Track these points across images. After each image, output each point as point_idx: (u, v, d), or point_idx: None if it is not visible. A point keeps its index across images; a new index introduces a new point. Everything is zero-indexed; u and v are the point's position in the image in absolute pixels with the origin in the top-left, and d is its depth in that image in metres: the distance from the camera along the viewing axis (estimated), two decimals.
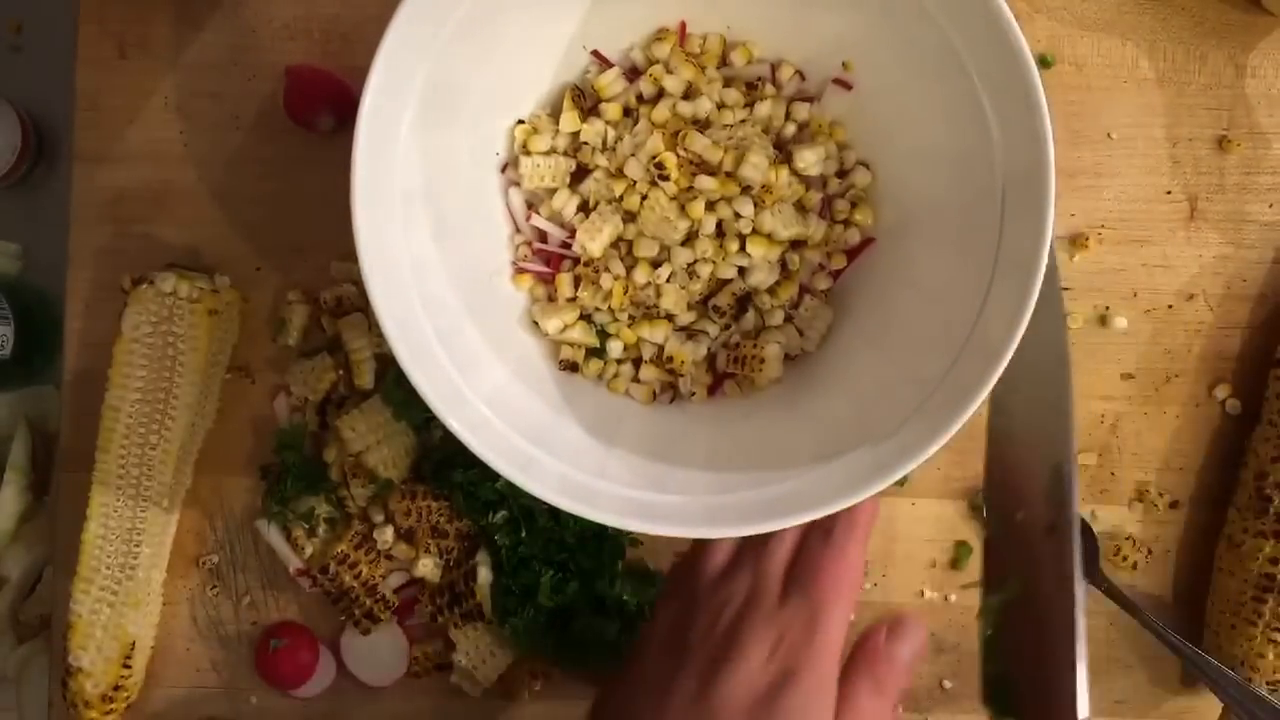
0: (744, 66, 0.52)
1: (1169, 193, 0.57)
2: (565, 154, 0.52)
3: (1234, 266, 0.58)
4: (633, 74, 0.52)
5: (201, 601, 0.57)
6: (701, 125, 0.51)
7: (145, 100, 0.57)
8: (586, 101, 0.52)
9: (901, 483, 0.57)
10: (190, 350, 0.53)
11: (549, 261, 0.53)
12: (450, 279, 0.48)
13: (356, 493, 0.55)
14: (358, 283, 0.55)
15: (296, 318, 0.56)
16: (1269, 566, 0.53)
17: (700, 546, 0.47)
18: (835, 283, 0.53)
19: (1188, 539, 0.58)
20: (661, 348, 0.52)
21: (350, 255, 0.44)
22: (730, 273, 0.52)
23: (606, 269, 0.52)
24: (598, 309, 0.52)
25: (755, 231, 0.51)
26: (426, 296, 0.46)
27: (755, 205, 0.50)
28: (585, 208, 0.52)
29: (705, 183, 0.50)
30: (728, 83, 0.52)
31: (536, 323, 0.52)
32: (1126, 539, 0.57)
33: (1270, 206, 0.58)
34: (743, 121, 0.52)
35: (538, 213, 0.53)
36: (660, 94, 0.52)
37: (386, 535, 0.55)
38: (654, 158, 0.50)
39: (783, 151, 0.52)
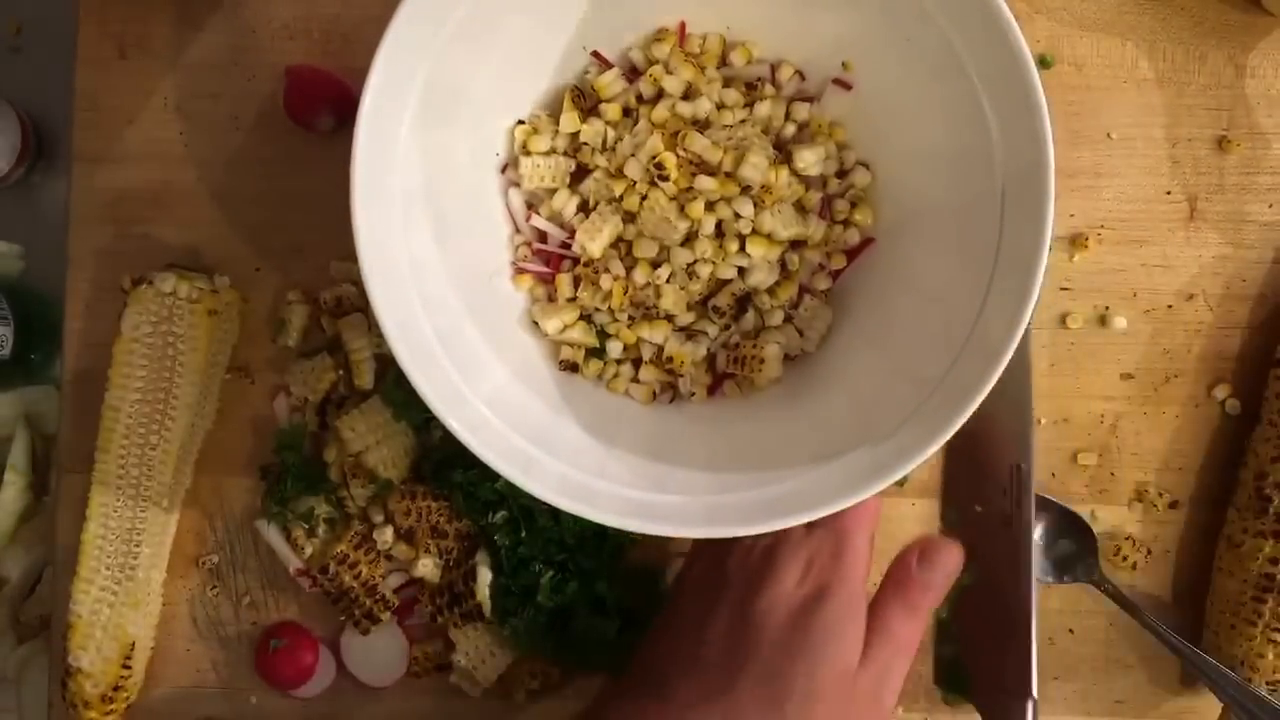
0: (744, 67, 0.52)
1: (1169, 193, 0.58)
2: (565, 154, 0.52)
3: (1233, 267, 0.58)
4: (632, 74, 0.52)
5: (201, 602, 0.57)
6: (701, 125, 0.51)
7: (145, 100, 0.57)
8: (586, 102, 0.52)
9: (901, 483, 0.57)
10: (190, 350, 0.53)
11: (549, 262, 0.53)
12: (450, 279, 0.49)
13: (356, 493, 0.55)
14: (357, 283, 0.55)
15: (296, 318, 0.56)
16: (1269, 566, 0.53)
17: None
18: (835, 283, 0.53)
19: (1187, 539, 0.58)
20: (661, 348, 0.52)
21: (350, 255, 0.44)
22: (730, 273, 0.52)
23: (606, 269, 0.52)
24: (597, 309, 0.52)
25: (755, 232, 0.51)
26: (426, 297, 0.46)
27: (755, 205, 0.50)
28: (585, 208, 0.52)
29: (705, 183, 0.50)
30: (727, 83, 0.52)
31: (536, 323, 0.52)
32: (1126, 539, 0.57)
33: (1270, 207, 0.58)
34: (742, 122, 0.52)
35: (538, 213, 0.53)
36: (660, 94, 0.52)
37: (386, 535, 0.55)
38: (654, 158, 0.50)
39: (782, 152, 0.52)
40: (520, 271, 0.53)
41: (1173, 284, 0.57)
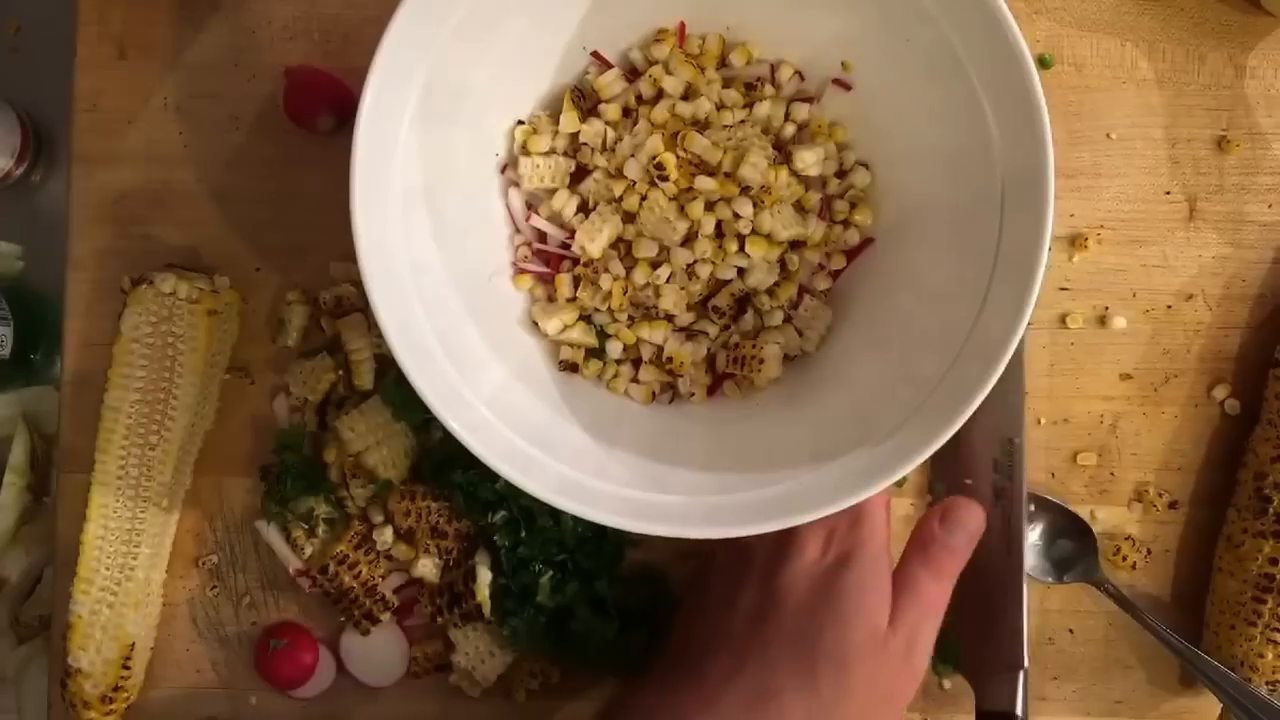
0: (743, 67, 0.52)
1: (1168, 193, 0.58)
2: (565, 154, 0.52)
3: (1233, 267, 0.58)
4: (632, 75, 0.52)
5: (201, 602, 0.57)
6: (701, 126, 0.51)
7: (145, 101, 0.57)
8: (586, 102, 0.52)
9: (901, 483, 0.57)
10: (189, 351, 0.53)
11: (548, 262, 0.53)
12: (450, 279, 0.49)
13: (356, 493, 0.55)
14: (357, 283, 0.55)
15: (296, 318, 0.56)
16: (1268, 566, 0.53)
17: None
18: (834, 283, 0.53)
19: (1187, 539, 0.58)
20: (661, 348, 0.52)
21: (350, 255, 0.44)
22: (729, 273, 0.52)
23: (606, 269, 0.52)
24: (597, 309, 0.52)
25: (754, 232, 0.51)
26: (426, 297, 0.46)
27: (754, 206, 0.50)
28: (585, 208, 0.52)
29: (704, 183, 0.50)
30: (727, 83, 0.52)
31: (536, 323, 0.52)
32: (1126, 539, 0.57)
33: (1269, 207, 0.58)
34: (742, 122, 0.52)
35: (537, 213, 0.53)
36: (659, 95, 0.52)
37: (386, 536, 0.55)
38: (653, 158, 0.50)
39: (782, 152, 0.52)
40: (520, 271, 0.53)
41: (1172, 284, 0.58)
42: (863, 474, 0.45)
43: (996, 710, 0.53)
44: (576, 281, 0.52)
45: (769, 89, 0.52)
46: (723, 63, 0.52)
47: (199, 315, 0.53)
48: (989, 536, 0.51)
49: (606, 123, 0.52)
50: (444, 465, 0.54)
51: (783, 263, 0.52)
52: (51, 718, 0.57)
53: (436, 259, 0.48)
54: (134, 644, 0.54)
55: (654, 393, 0.53)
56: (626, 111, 0.52)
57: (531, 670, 0.56)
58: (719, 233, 0.51)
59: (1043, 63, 0.57)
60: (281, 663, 0.55)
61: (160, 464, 0.54)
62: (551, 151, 0.52)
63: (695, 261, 0.51)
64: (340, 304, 0.55)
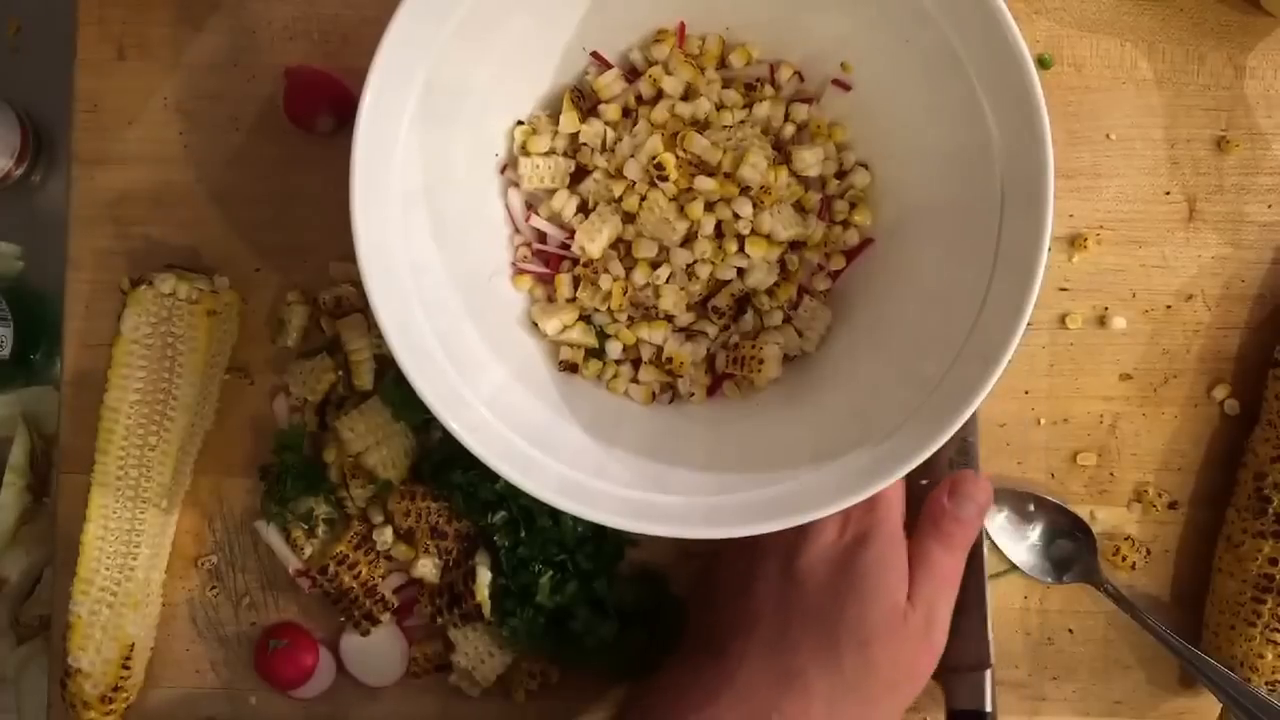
0: (743, 67, 0.52)
1: (1168, 193, 0.58)
2: (564, 155, 0.52)
3: (1232, 267, 0.58)
4: (632, 75, 0.52)
5: (201, 602, 0.57)
6: (700, 126, 0.51)
7: (145, 101, 0.57)
8: (586, 102, 0.52)
9: None
10: (189, 351, 0.53)
11: (548, 262, 0.53)
12: (449, 280, 0.49)
13: (356, 493, 0.55)
14: (357, 283, 0.55)
15: (295, 318, 0.56)
16: (1268, 567, 0.53)
17: None
18: (834, 283, 0.53)
19: (1186, 539, 0.58)
20: (660, 348, 0.52)
21: (349, 256, 0.44)
22: (729, 274, 0.52)
23: (605, 270, 0.52)
24: (597, 310, 0.52)
25: (754, 232, 0.51)
26: (426, 297, 0.46)
27: (754, 206, 0.50)
28: (584, 208, 0.52)
29: (704, 183, 0.50)
30: (727, 84, 0.52)
31: (536, 323, 0.52)
32: (1125, 539, 0.57)
33: (1269, 207, 0.58)
34: (741, 122, 0.52)
35: (537, 213, 0.53)
36: (659, 95, 0.52)
37: (386, 536, 0.55)
38: (653, 158, 0.50)
39: (782, 152, 0.52)
40: (520, 272, 0.53)
41: (1172, 284, 0.58)
42: (863, 474, 0.45)
43: (967, 709, 0.54)
44: (576, 282, 0.52)
45: (769, 89, 0.52)
46: (722, 63, 0.52)
47: (199, 315, 0.53)
48: None
49: (606, 123, 0.52)
50: (444, 465, 0.54)
51: (782, 263, 0.52)
52: (51, 718, 0.57)
53: (436, 259, 0.48)
54: (134, 644, 0.54)
55: (654, 393, 0.53)
56: (626, 112, 0.52)
57: (531, 670, 0.56)
58: (719, 233, 0.51)
59: (1042, 63, 0.57)
60: (281, 663, 0.55)
61: (160, 464, 0.54)
62: (551, 152, 0.52)
63: (695, 262, 0.51)
64: (340, 304, 0.55)
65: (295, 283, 0.57)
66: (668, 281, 0.52)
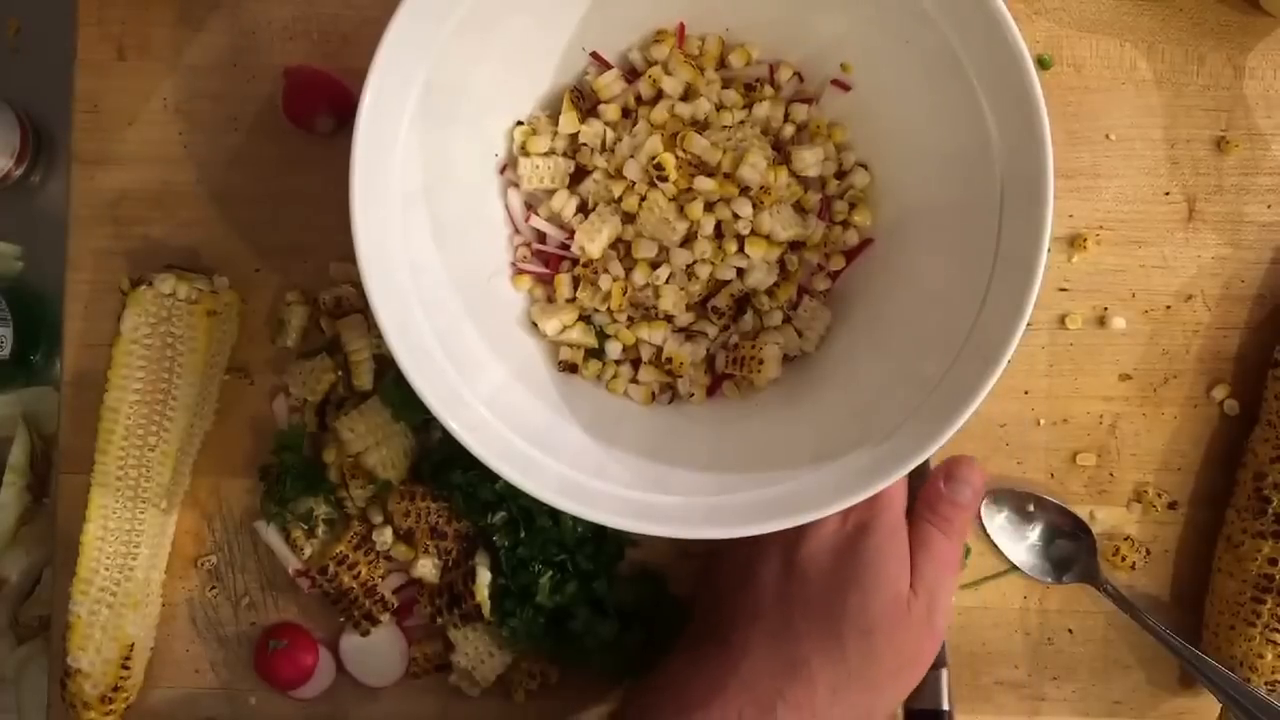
0: (742, 68, 0.52)
1: (1167, 194, 0.58)
2: (564, 155, 0.52)
3: (1232, 267, 0.58)
4: (631, 75, 0.52)
5: (200, 603, 0.57)
6: (700, 126, 0.51)
7: (144, 102, 0.57)
8: (585, 103, 0.52)
9: None
10: (189, 351, 0.53)
11: (548, 262, 0.53)
12: (449, 280, 0.49)
13: (355, 494, 0.55)
14: (357, 284, 0.55)
15: (295, 319, 0.56)
16: (1267, 567, 0.53)
17: None
18: (834, 284, 0.53)
19: (1186, 539, 0.58)
20: (660, 349, 0.52)
21: (349, 256, 0.44)
22: (729, 274, 0.52)
23: (605, 270, 0.52)
24: (596, 310, 0.52)
25: (754, 232, 0.51)
26: (425, 297, 0.46)
27: (754, 206, 0.50)
28: (584, 209, 0.52)
29: (704, 184, 0.50)
30: (726, 84, 0.52)
31: (535, 324, 0.52)
32: (1125, 539, 0.57)
33: (1268, 207, 0.58)
34: (741, 123, 0.52)
35: (537, 213, 0.53)
36: (659, 95, 0.52)
37: (385, 536, 0.55)
38: (653, 159, 0.50)
39: (781, 152, 0.52)
40: (519, 272, 0.53)
41: (1171, 285, 0.58)
42: (863, 474, 0.45)
43: (925, 709, 0.54)
44: (576, 282, 0.52)
45: (768, 90, 0.52)
46: (722, 63, 0.52)
47: (198, 316, 0.53)
48: None
49: (606, 123, 0.52)
50: (443, 466, 0.54)
51: (782, 263, 0.52)
52: (51, 718, 0.57)
53: (436, 259, 0.48)
54: (133, 644, 0.54)
55: (654, 393, 0.53)
56: (626, 112, 0.52)
57: (531, 670, 0.56)
58: (718, 233, 0.51)
59: (1042, 63, 0.57)
60: (281, 663, 0.55)
61: (159, 464, 0.54)
62: (551, 152, 0.52)
63: (695, 262, 0.51)
64: (340, 304, 0.55)
65: (295, 283, 0.57)
66: (667, 282, 0.52)
